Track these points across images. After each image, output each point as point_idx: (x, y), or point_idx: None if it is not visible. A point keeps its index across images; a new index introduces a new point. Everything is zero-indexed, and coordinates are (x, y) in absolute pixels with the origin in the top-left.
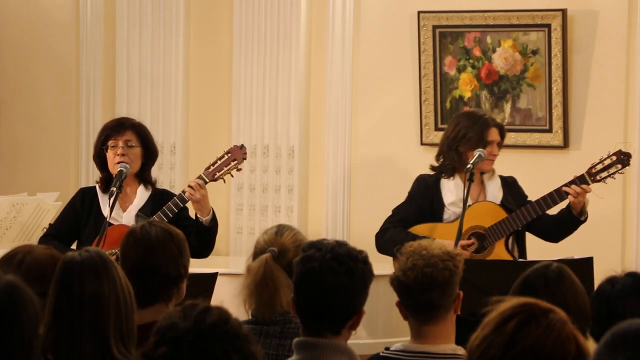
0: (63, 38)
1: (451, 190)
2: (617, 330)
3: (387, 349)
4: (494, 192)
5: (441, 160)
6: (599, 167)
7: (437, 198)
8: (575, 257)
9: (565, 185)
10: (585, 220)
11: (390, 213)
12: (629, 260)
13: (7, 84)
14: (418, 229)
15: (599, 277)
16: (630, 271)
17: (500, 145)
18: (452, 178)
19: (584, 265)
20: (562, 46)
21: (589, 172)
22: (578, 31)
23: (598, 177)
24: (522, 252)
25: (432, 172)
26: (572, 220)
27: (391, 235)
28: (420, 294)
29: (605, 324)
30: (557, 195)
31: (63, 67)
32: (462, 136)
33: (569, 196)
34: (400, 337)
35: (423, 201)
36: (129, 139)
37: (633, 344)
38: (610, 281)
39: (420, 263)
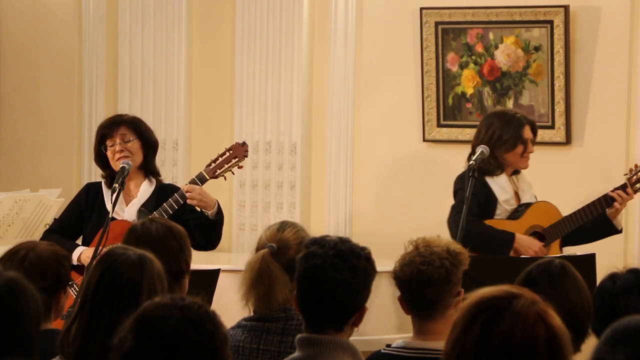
0: (65, 34)
1: (503, 187)
2: (617, 326)
3: (388, 345)
4: (527, 189)
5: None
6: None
7: (489, 194)
8: (578, 253)
9: (612, 190)
10: (621, 231)
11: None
12: (631, 257)
13: (9, 81)
14: (495, 224)
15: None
16: (632, 267)
17: (534, 142)
18: (498, 175)
19: (587, 262)
20: (565, 42)
21: (630, 180)
22: (580, 28)
23: (638, 186)
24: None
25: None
26: (608, 228)
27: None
28: (416, 291)
29: (607, 320)
30: (608, 199)
31: (65, 64)
32: (497, 139)
33: (615, 203)
34: (403, 334)
35: (481, 197)
36: (124, 134)
37: (633, 340)
38: (612, 277)
39: (417, 260)
